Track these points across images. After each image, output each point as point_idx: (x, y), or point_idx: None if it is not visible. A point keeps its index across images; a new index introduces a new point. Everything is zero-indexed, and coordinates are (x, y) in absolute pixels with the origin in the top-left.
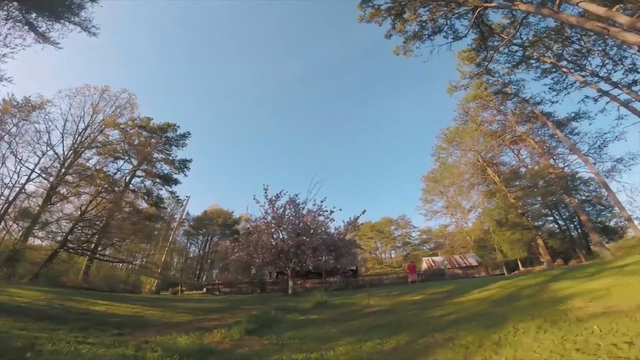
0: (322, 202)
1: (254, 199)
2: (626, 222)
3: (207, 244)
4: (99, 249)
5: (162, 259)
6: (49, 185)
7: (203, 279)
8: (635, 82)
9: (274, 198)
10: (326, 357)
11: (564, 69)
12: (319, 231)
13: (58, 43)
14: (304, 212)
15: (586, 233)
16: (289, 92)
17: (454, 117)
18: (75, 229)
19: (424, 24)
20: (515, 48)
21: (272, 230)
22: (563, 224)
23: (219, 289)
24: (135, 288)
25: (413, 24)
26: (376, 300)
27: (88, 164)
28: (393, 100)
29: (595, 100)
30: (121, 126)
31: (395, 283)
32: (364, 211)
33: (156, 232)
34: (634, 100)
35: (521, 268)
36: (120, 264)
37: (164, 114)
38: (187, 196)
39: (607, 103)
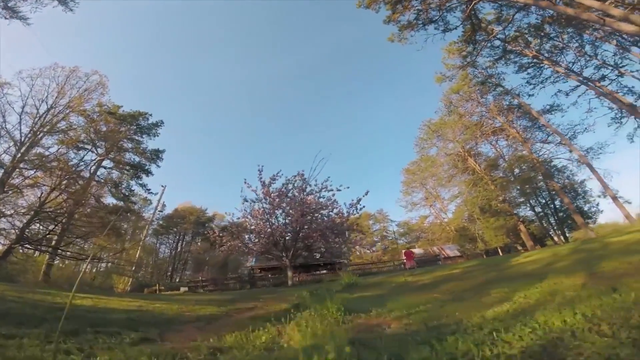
0: (325, 181)
1: (245, 182)
2: (598, 207)
3: (179, 244)
4: (62, 245)
5: (137, 256)
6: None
7: (176, 279)
8: (604, 77)
9: (269, 180)
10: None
11: (546, 62)
12: (325, 212)
13: (27, 18)
14: (308, 192)
15: (562, 218)
16: (272, 87)
17: (437, 110)
18: (32, 223)
19: (419, 13)
20: (497, 43)
21: (267, 216)
22: (540, 210)
23: (202, 286)
24: (103, 289)
25: (407, 14)
26: (413, 278)
27: (48, 153)
28: (372, 98)
29: (567, 94)
30: (87, 112)
31: (394, 271)
32: (367, 192)
33: (126, 227)
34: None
35: (501, 254)
36: (86, 265)
37: (137, 106)
38: (162, 186)
39: (579, 96)
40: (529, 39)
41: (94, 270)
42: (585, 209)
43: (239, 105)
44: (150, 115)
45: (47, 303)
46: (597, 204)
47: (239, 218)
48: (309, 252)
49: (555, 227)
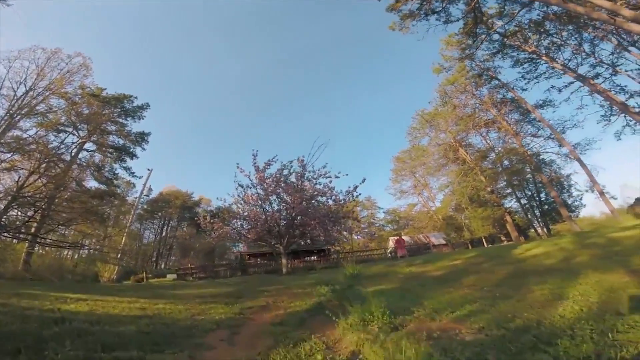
0: (323, 167)
1: (238, 167)
2: (581, 202)
3: (164, 229)
4: (42, 232)
5: (122, 242)
6: None
7: (161, 266)
8: (598, 75)
9: (264, 166)
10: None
11: (545, 57)
12: (322, 199)
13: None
14: (306, 177)
15: (547, 211)
16: (266, 74)
17: (430, 100)
18: (10, 209)
19: (422, 3)
20: (496, 37)
21: (261, 202)
22: (526, 202)
23: (192, 274)
24: (87, 279)
25: (409, 3)
26: (416, 268)
27: (26, 135)
28: (366, 87)
29: (560, 90)
30: (69, 95)
31: (385, 259)
32: (364, 180)
33: (109, 213)
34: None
35: (486, 245)
36: (67, 252)
37: (124, 90)
38: (149, 169)
39: (572, 93)
40: (528, 34)
41: (76, 257)
42: (569, 202)
43: (231, 91)
44: (136, 97)
45: (36, 311)
46: (581, 199)
47: (231, 204)
48: (304, 240)
49: (539, 220)
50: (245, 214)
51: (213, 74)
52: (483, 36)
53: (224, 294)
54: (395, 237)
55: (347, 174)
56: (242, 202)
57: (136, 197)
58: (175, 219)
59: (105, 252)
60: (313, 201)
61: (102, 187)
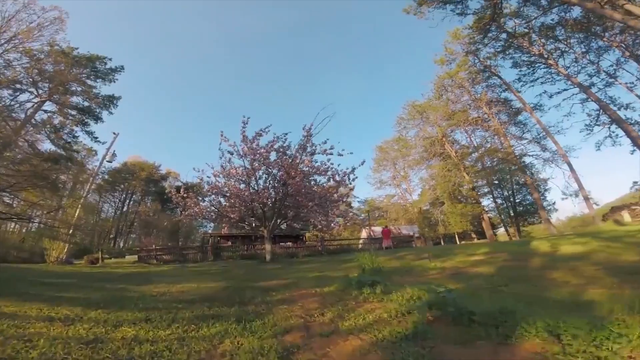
0: (324, 143)
1: (222, 135)
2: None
3: (126, 203)
4: None
5: (76, 216)
6: None
7: (120, 244)
8: (592, 85)
9: (254, 135)
10: None
11: (551, 62)
12: (322, 178)
13: None
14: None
15: (520, 212)
16: (259, 43)
17: (423, 92)
18: None
19: None
20: (503, 36)
21: (247, 177)
22: (501, 202)
23: (156, 257)
24: (35, 256)
25: None
26: (442, 263)
27: None
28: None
29: (551, 96)
30: (34, 52)
31: (368, 249)
32: (363, 162)
33: (64, 180)
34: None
35: (459, 241)
36: (13, 225)
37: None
38: (114, 133)
39: (563, 100)
40: (535, 37)
41: (24, 231)
42: (544, 205)
43: (221, 59)
44: (110, 59)
45: None
46: (554, 202)
47: (207, 178)
48: (298, 223)
49: (513, 220)
50: (226, 189)
51: (203, 35)
52: (494, 33)
53: (216, 294)
54: (383, 228)
55: (351, 152)
56: (223, 175)
57: (97, 165)
58: (139, 193)
59: (55, 227)
60: (311, 179)
61: (59, 151)
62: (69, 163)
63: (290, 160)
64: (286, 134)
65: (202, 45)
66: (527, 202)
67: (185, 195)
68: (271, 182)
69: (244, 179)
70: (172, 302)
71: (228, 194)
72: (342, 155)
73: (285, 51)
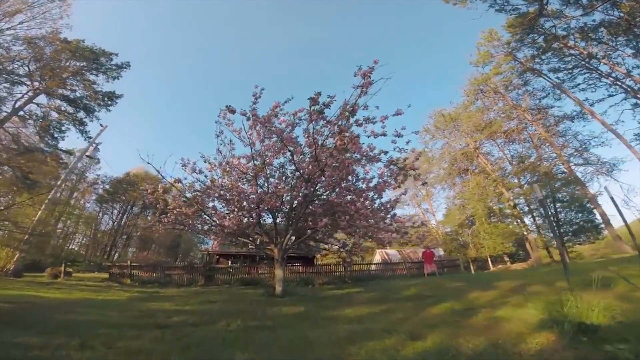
0: (372, 117)
1: (228, 109)
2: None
3: (125, 215)
4: None
5: (37, 217)
6: None
7: (115, 257)
8: None
9: (270, 112)
10: None
11: (603, 61)
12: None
13: None
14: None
15: (571, 232)
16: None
17: (451, 100)
18: None
19: None
20: (539, 38)
21: (251, 172)
22: (542, 221)
23: (131, 274)
24: None
25: None
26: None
27: None
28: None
29: (592, 104)
30: (34, 39)
31: (405, 276)
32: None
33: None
34: None
35: (491, 267)
36: None
37: None
38: (102, 125)
39: (610, 107)
40: (576, 40)
41: None
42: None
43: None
44: (116, 55)
45: None
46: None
47: (200, 172)
48: (329, 238)
49: (559, 240)
50: (220, 189)
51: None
52: (534, 35)
53: None
54: (425, 250)
55: (416, 132)
56: (221, 168)
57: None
58: (140, 206)
59: (6, 227)
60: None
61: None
62: (45, 156)
63: (336, 127)
64: (310, 108)
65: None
66: (578, 219)
67: (163, 195)
68: (291, 176)
69: (248, 174)
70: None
71: (227, 196)
72: (401, 136)
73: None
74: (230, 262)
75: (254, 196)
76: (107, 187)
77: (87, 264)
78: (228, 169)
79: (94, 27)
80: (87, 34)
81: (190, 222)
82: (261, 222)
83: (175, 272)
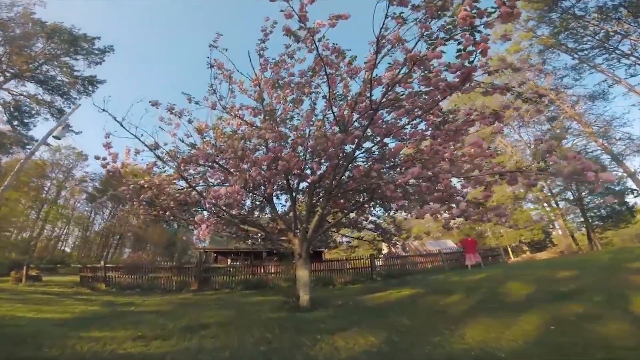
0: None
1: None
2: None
3: (116, 214)
4: None
5: None
6: None
7: (107, 258)
8: None
9: (281, 57)
10: None
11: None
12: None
13: None
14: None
15: (600, 217)
16: None
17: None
18: None
19: None
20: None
21: (268, 135)
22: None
23: (106, 278)
24: None
25: None
26: None
27: None
28: None
29: (610, 85)
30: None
31: (442, 269)
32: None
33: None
34: None
35: (512, 256)
36: None
37: None
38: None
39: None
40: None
41: None
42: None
43: None
44: (98, 39)
45: None
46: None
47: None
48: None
49: (588, 226)
50: (214, 151)
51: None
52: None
53: None
54: (464, 238)
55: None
56: (215, 107)
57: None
58: (132, 203)
59: None
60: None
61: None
62: (11, 146)
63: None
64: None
65: None
66: (608, 204)
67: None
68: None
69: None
70: None
71: (223, 161)
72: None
73: None
74: (229, 261)
75: (268, 160)
76: (96, 185)
77: (75, 267)
78: (229, 117)
79: (96, 23)
80: (87, 28)
81: (168, 203)
82: (270, 197)
83: (162, 274)
